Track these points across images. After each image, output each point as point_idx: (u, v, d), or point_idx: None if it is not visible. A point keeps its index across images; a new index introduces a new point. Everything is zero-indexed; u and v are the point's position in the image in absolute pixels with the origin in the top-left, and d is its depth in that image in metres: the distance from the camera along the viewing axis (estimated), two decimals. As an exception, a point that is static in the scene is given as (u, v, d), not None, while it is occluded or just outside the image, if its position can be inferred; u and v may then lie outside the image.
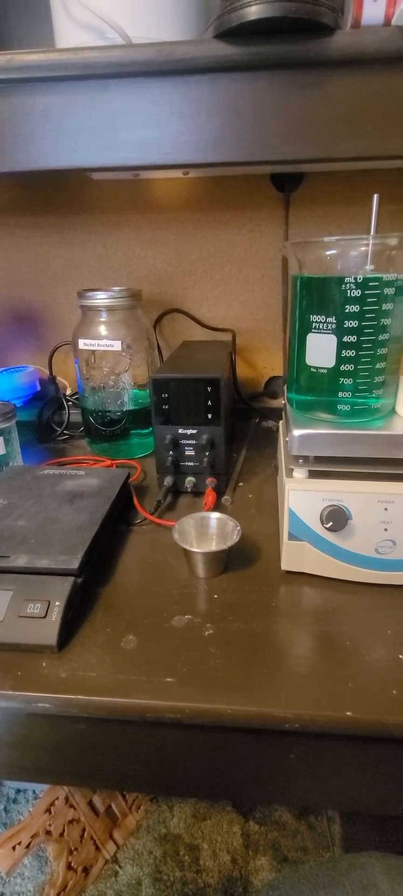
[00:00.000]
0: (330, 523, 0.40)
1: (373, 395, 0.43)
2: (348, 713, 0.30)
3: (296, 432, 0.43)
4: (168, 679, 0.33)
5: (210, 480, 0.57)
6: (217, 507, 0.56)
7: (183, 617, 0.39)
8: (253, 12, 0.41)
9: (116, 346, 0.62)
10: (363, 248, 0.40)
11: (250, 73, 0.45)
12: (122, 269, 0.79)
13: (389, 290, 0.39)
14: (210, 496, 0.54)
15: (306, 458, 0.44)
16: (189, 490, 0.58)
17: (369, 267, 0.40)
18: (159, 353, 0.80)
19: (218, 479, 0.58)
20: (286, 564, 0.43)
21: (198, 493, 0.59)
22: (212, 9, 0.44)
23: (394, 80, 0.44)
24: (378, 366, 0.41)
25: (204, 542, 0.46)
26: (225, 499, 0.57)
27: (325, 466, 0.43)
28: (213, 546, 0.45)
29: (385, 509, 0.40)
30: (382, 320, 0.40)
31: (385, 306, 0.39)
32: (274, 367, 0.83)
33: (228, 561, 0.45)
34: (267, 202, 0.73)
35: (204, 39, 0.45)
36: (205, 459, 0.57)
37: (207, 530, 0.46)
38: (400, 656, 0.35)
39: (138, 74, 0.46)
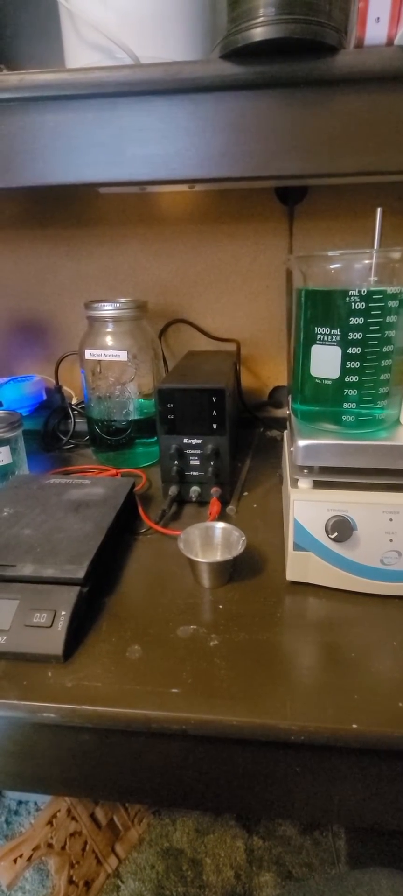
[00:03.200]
0: (336, 534, 0.40)
1: (378, 406, 0.43)
2: (354, 726, 0.30)
3: (301, 443, 0.43)
4: (173, 690, 0.33)
5: (215, 490, 0.57)
6: (221, 516, 0.56)
7: (188, 627, 0.39)
8: (259, 33, 0.42)
9: (122, 356, 0.63)
10: (367, 262, 0.40)
11: (255, 91, 0.46)
12: (128, 281, 0.80)
13: (393, 303, 0.39)
14: (215, 506, 0.54)
15: (311, 469, 0.44)
16: (194, 500, 0.58)
17: (373, 280, 0.40)
18: (164, 363, 0.80)
19: (223, 488, 0.58)
20: (291, 575, 0.43)
21: (202, 502, 0.59)
22: (219, 29, 0.45)
23: (396, 98, 0.45)
24: (382, 377, 0.42)
25: (209, 552, 0.46)
26: (230, 508, 0.57)
27: (330, 477, 0.43)
28: (218, 556, 0.46)
29: (390, 520, 0.40)
30: (386, 332, 0.40)
31: (389, 318, 0.40)
32: (279, 376, 0.83)
33: (233, 571, 0.45)
34: (271, 215, 0.74)
35: (211, 59, 0.46)
36: (210, 469, 0.57)
37: (212, 540, 0.46)
38: (406, 669, 0.34)
39: (146, 93, 0.48)
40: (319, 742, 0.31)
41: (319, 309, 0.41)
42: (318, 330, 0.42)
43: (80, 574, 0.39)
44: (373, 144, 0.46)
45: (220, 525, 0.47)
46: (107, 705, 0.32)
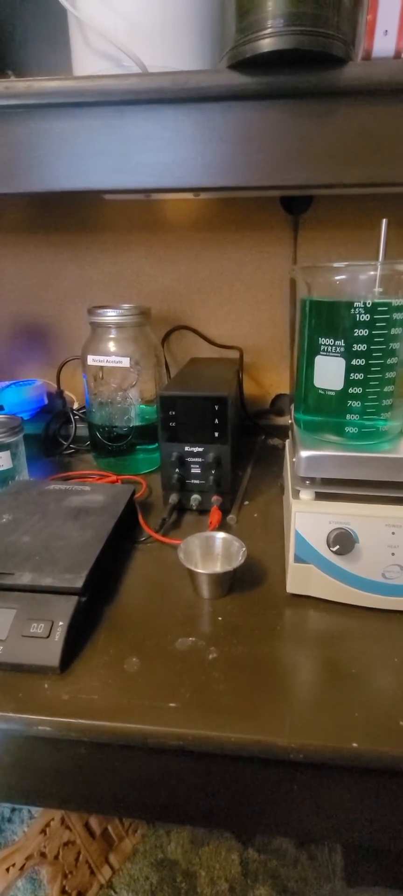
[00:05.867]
0: (337, 546, 0.40)
1: (381, 419, 0.42)
2: (354, 744, 0.30)
3: (304, 454, 0.43)
4: (171, 704, 0.33)
5: (215, 499, 0.57)
6: (222, 526, 0.56)
7: (187, 639, 0.39)
8: (267, 44, 0.42)
9: (124, 362, 0.63)
10: (372, 274, 0.40)
11: (262, 101, 0.46)
12: (132, 287, 0.80)
13: (398, 315, 0.39)
14: (215, 515, 0.54)
15: (313, 480, 0.44)
16: (194, 508, 0.58)
17: (377, 291, 0.40)
18: (167, 370, 0.80)
19: (224, 497, 0.57)
20: (291, 587, 0.43)
21: (203, 510, 0.58)
22: (227, 39, 0.46)
23: (403, 111, 0.45)
24: (386, 389, 0.41)
25: (209, 563, 0.46)
26: (231, 518, 0.57)
27: (332, 489, 0.43)
28: (218, 567, 0.45)
29: (393, 533, 0.40)
30: (391, 344, 0.40)
31: (393, 331, 0.39)
32: (281, 384, 0.83)
33: (233, 582, 0.45)
34: (276, 224, 0.74)
35: (219, 70, 0.46)
36: (211, 478, 0.56)
37: (212, 550, 0.46)
38: (407, 688, 0.34)
39: (153, 102, 0.48)
40: (318, 760, 0.30)
41: (323, 320, 0.41)
42: (322, 341, 0.41)
43: (79, 583, 0.39)
44: (379, 156, 0.46)
45: (221, 535, 0.46)
46: (104, 719, 0.32)
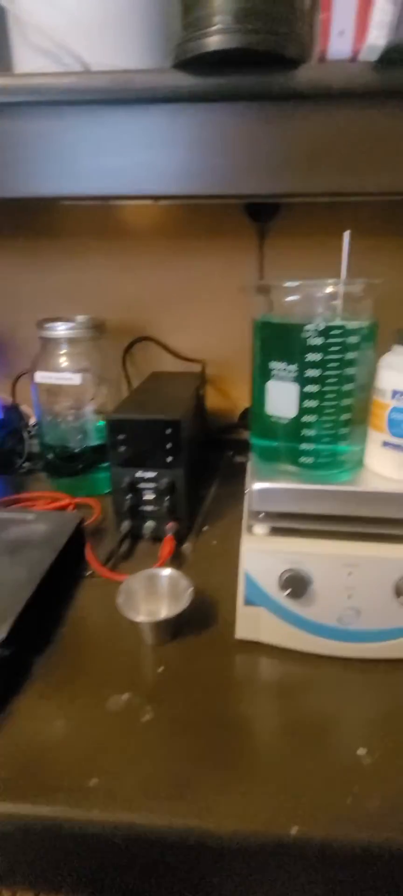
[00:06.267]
0: (290, 590, 0.36)
1: (339, 447, 0.39)
2: (293, 831, 0.26)
3: (256, 486, 0.39)
4: (92, 781, 0.29)
5: (170, 526, 0.53)
6: (176, 556, 0.52)
7: (121, 696, 0.35)
8: (214, 43, 0.39)
9: (75, 379, 0.59)
10: (326, 294, 0.37)
11: (213, 105, 0.43)
12: (93, 295, 0.76)
13: (353, 339, 0.36)
14: (167, 546, 0.50)
15: (267, 514, 0.40)
16: (147, 536, 0.54)
17: (332, 314, 0.37)
18: (128, 383, 0.76)
19: (180, 524, 0.54)
20: (241, 632, 0.39)
21: (158, 538, 0.54)
22: (173, 36, 0.42)
23: (362, 117, 0.42)
24: (343, 417, 0.38)
25: (154, 603, 0.42)
26: (186, 547, 0.53)
27: (287, 523, 0.40)
28: (164, 608, 0.41)
29: (349, 573, 0.37)
30: (346, 370, 0.37)
31: (349, 355, 0.36)
32: (249, 397, 0.80)
33: (181, 624, 0.41)
34: (242, 232, 0.71)
35: (164, 70, 0.42)
36: (166, 504, 0.53)
37: (157, 589, 0.42)
38: (359, 752, 0.31)
39: (96, 103, 0.44)
40: (254, 848, 0.27)
41: (274, 343, 0.38)
42: (273, 365, 0.38)
43: (1, 634, 0.35)
44: (337, 165, 0.43)
45: (166, 572, 0.42)
46: (13, 800, 0.28)
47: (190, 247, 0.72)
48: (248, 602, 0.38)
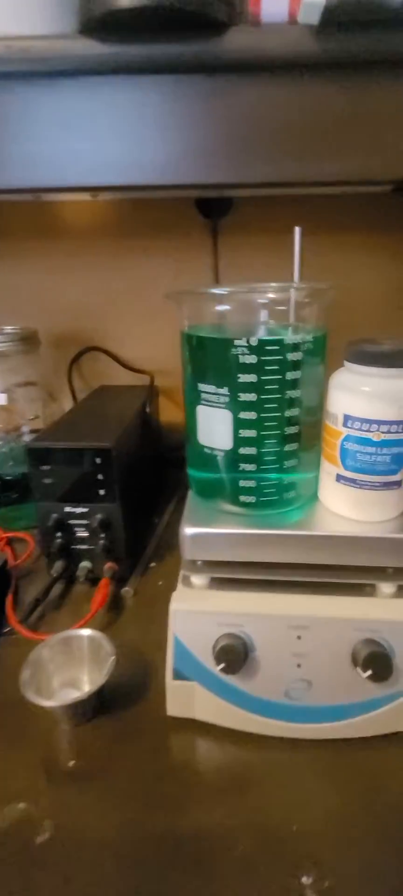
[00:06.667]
0: (223, 664, 0.30)
1: (285, 483, 0.33)
2: None
3: (187, 531, 0.33)
4: None
5: (108, 568, 0.46)
6: (114, 602, 0.45)
7: (16, 806, 0.28)
8: (123, 1, 0.32)
9: (0, 399, 0.51)
10: (262, 302, 0.31)
11: (130, 77, 0.36)
12: (33, 302, 0.69)
13: (295, 355, 0.30)
14: (101, 591, 0.43)
15: (204, 563, 0.34)
16: (82, 579, 0.47)
17: (267, 326, 0.31)
18: (74, 399, 0.69)
19: (121, 563, 0.47)
20: (172, 709, 0.33)
21: (97, 579, 0.48)
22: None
23: (306, 93, 0.35)
24: (288, 447, 0.32)
25: (73, 670, 0.35)
26: (126, 591, 0.46)
27: (227, 572, 0.33)
28: (85, 677, 0.35)
29: (298, 637, 0.31)
30: (288, 392, 0.30)
31: (290, 375, 0.30)
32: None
33: (105, 697, 0.34)
34: (192, 229, 0.64)
35: (67, 34, 0.35)
36: (101, 543, 0.46)
37: (76, 654, 0.35)
38: (304, 880, 0.24)
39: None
40: None
41: (202, 361, 0.31)
42: (202, 388, 0.32)
43: None
44: (283, 148, 0.37)
45: (86, 634, 0.35)
46: None
47: (136, 246, 0.65)
48: (179, 675, 0.32)
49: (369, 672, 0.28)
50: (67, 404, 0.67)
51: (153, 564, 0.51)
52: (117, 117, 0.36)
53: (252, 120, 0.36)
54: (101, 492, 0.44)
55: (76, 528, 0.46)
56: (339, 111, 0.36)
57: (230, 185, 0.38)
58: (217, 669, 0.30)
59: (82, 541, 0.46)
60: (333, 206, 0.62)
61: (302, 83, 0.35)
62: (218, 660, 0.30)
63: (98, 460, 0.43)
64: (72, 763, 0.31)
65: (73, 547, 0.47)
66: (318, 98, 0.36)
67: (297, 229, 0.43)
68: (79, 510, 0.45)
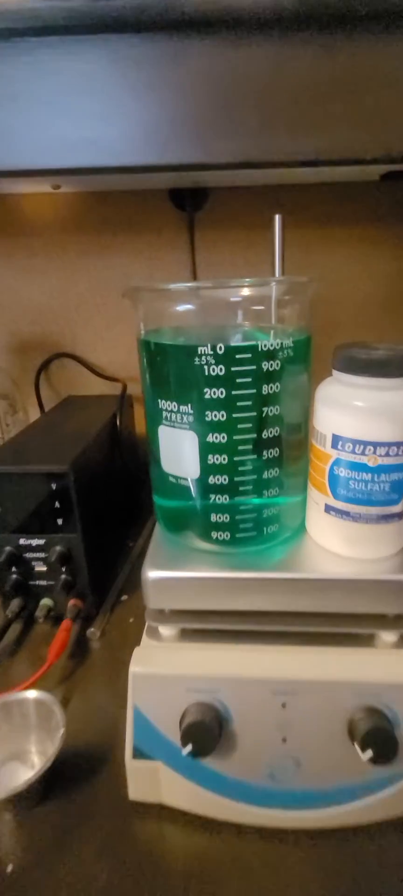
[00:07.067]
0: (191, 746, 0.24)
1: (264, 516, 0.28)
2: None
3: (151, 574, 0.28)
4: None
5: (72, 605, 0.41)
6: (79, 645, 0.40)
7: None
8: None
9: None
10: (233, 300, 0.25)
11: (70, 38, 0.30)
12: (-7, 306, 0.63)
13: (272, 364, 0.25)
14: (60, 637, 0.38)
15: (173, 612, 0.29)
16: (41, 619, 0.41)
17: (240, 329, 0.25)
18: (41, 410, 0.63)
19: (86, 600, 0.41)
20: (135, 792, 0.27)
21: (60, 617, 0.42)
22: None
23: (283, 52, 0.30)
24: (267, 474, 0.27)
25: (19, 740, 0.29)
26: (91, 632, 0.41)
27: (197, 622, 0.28)
28: (33, 747, 0.29)
29: (283, 705, 0.25)
30: (265, 409, 0.25)
31: (267, 388, 0.25)
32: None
33: (55, 777, 0.29)
34: (166, 224, 0.59)
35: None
36: (62, 578, 0.40)
37: (19, 721, 0.30)
38: None
39: None
40: None
41: (162, 374, 0.26)
42: (163, 405, 0.26)
43: None
44: (250, 124, 0.31)
45: (33, 697, 0.30)
46: None
47: (104, 243, 0.60)
48: (140, 754, 0.26)
49: (369, 753, 0.23)
50: (35, 417, 0.61)
51: (125, 597, 0.46)
52: (59, 88, 0.31)
53: (220, 88, 0.31)
54: (59, 521, 0.39)
55: (33, 563, 0.40)
56: (321, 76, 0.31)
57: (196, 167, 0.32)
58: (184, 751, 0.24)
59: (41, 576, 0.41)
60: (317, 197, 0.57)
61: (276, 43, 0.30)
62: (184, 740, 0.24)
63: (54, 486, 0.37)
64: (10, 868, 0.25)
65: (32, 583, 0.41)
66: (296, 60, 0.30)
67: (277, 217, 0.38)
68: (35, 542, 0.39)
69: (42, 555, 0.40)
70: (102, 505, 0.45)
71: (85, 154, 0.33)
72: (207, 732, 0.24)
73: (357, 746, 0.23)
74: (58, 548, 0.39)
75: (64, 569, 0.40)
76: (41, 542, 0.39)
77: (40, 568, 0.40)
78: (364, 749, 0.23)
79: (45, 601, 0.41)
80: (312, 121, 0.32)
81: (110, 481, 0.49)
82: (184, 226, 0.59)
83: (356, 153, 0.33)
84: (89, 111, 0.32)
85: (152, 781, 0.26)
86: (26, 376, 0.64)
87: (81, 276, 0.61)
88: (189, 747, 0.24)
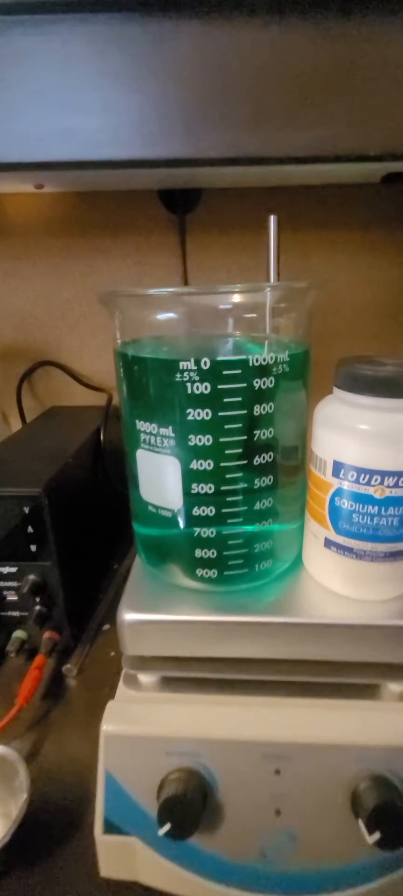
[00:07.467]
0: (169, 825, 0.21)
1: (255, 551, 0.25)
2: None
3: (128, 617, 0.24)
4: None
5: (47, 638, 0.37)
6: (56, 683, 0.36)
7: None
8: None
9: None
10: (222, 308, 0.22)
11: (47, 17, 0.27)
12: (-26, 311, 0.60)
13: (264, 381, 0.22)
14: (32, 674, 0.34)
15: (153, 658, 0.25)
16: (13, 653, 0.38)
17: (232, 338, 0.22)
18: (23, 422, 0.60)
19: (62, 633, 0.38)
20: (107, 869, 0.24)
21: (35, 650, 0.38)
22: None
23: (280, 36, 0.28)
24: (259, 505, 0.24)
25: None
26: (68, 668, 0.37)
27: (179, 671, 0.25)
28: (-7, 818, 0.26)
29: (277, 772, 0.22)
30: (257, 432, 0.22)
31: (259, 409, 0.22)
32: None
33: (18, 845, 0.25)
34: (156, 226, 0.56)
35: None
36: (36, 609, 0.37)
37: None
38: None
39: None
40: None
41: (140, 391, 0.23)
42: (142, 427, 0.23)
43: None
44: (242, 115, 0.29)
45: (-2, 757, 0.26)
46: None
47: (91, 247, 0.57)
48: (112, 828, 0.23)
49: (377, 836, 0.19)
50: (18, 428, 0.58)
51: (106, 627, 0.42)
52: (32, 73, 0.28)
53: (211, 75, 0.28)
54: (33, 547, 0.35)
55: (4, 592, 0.37)
56: (320, 63, 0.28)
57: (184, 162, 0.30)
58: (161, 832, 0.21)
59: (13, 606, 0.37)
60: (315, 200, 0.54)
61: (272, 26, 0.27)
62: (161, 817, 0.21)
63: (26, 509, 0.34)
64: None
65: (3, 614, 0.38)
66: (293, 46, 0.28)
67: (272, 217, 0.35)
68: (6, 570, 0.36)
69: (14, 583, 0.36)
70: (83, 526, 0.42)
71: (61, 147, 0.30)
72: (188, 808, 0.21)
73: (361, 825, 0.20)
74: (31, 576, 0.36)
75: (38, 599, 0.37)
76: (13, 569, 0.36)
77: (12, 597, 0.37)
78: (370, 830, 0.20)
79: (18, 633, 0.38)
80: (310, 113, 0.29)
81: (93, 500, 0.46)
82: (175, 228, 0.56)
83: (358, 149, 0.30)
84: (66, 100, 0.29)
85: (127, 858, 0.23)
86: (8, 386, 0.61)
87: (66, 281, 0.58)
88: (167, 826, 0.20)
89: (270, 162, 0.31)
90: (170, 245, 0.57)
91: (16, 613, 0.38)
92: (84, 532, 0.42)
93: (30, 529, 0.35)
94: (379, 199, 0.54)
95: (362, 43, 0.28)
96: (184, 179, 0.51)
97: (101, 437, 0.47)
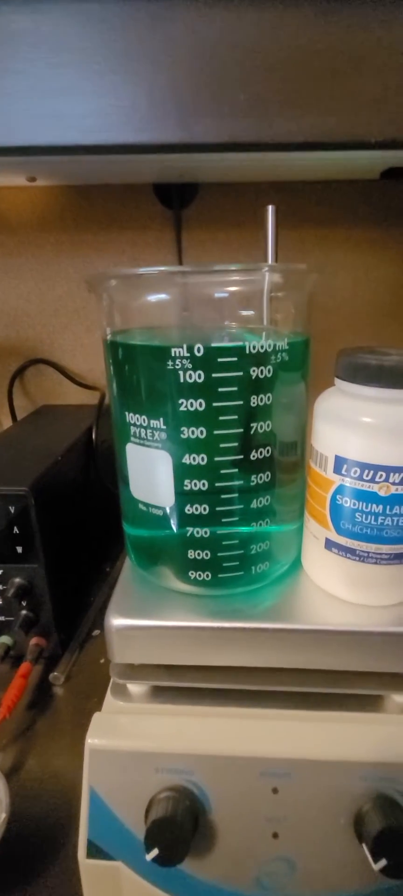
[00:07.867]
0: (156, 851, 0.19)
1: (251, 552, 0.23)
2: None
3: (116, 622, 0.23)
4: None
5: (33, 644, 0.36)
6: (41, 692, 0.35)
7: None
8: None
9: None
10: (217, 291, 0.21)
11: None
12: (-36, 308, 0.58)
13: (261, 371, 0.20)
14: (17, 682, 0.32)
15: (143, 667, 0.24)
16: (0, 659, 0.36)
17: (228, 325, 0.21)
18: (14, 421, 0.58)
19: (49, 638, 0.36)
20: (91, 897, 0.22)
21: (22, 657, 0.37)
22: None
23: (280, 18, 0.26)
24: (255, 503, 0.22)
25: None
26: (55, 676, 0.36)
27: (169, 679, 0.23)
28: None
29: (274, 791, 0.20)
30: (254, 425, 0.21)
31: (256, 399, 0.20)
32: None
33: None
34: (151, 222, 0.54)
35: None
36: (22, 614, 0.35)
37: None
38: None
39: None
40: None
41: (129, 381, 0.21)
42: (131, 419, 0.22)
43: None
44: (238, 99, 0.27)
45: (-26, 777, 0.25)
46: None
47: (84, 243, 0.55)
48: (96, 851, 0.21)
49: (383, 863, 0.18)
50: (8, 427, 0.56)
51: (97, 632, 0.40)
52: (18, 53, 0.27)
53: (205, 57, 0.27)
54: (19, 549, 0.34)
55: (-11, 596, 0.35)
56: (319, 45, 0.27)
57: (177, 147, 0.28)
58: (148, 857, 0.19)
59: (-2, 611, 0.36)
60: (313, 196, 0.53)
61: (269, 6, 0.26)
62: (149, 841, 0.19)
63: (11, 509, 0.32)
64: None
65: (-13, 619, 0.36)
66: (291, 28, 0.26)
67: (270, 208, 0.34)
68: (-10, 573, 0.34)
69: (-1, 587, 0.35)
70: (73, 528, 0.40)
71: (50, 131, 0.29)
72: (178, 832, 0.19)
73: (366, 850, 0.19)
74: (17, 579, 0.34)
75: (24, 603, 0.35)
76: (-2, 572, 0.34)
77: (-3, 602, 0.35)
78: (375, 857, 0.18)
79: (3, 639, 0.36)
80: (309, 97, 0.28)
81: (84, 500, 0.44)
82: (171, 224, 0.54)
83: (359, 135, 0.29)
84: (54, 81, 0.28)
85: (112, 884, 0.21)
86: (1, 384, 0.59)
87: (59, 277, 0.57)
88: (154, 852, 0.19)
89: (265, 148, 0.29)
90: (165, 241, 0.55)
91: (1, 618, 0.36)
92: (74, 533, 0.41)
93: (15, 530, 0.33)
94: (379, 195, 0.53)
95: (360, 27, 0.27)
96: (180, 173, 0.50)
97: (94, 436, 0.46)
